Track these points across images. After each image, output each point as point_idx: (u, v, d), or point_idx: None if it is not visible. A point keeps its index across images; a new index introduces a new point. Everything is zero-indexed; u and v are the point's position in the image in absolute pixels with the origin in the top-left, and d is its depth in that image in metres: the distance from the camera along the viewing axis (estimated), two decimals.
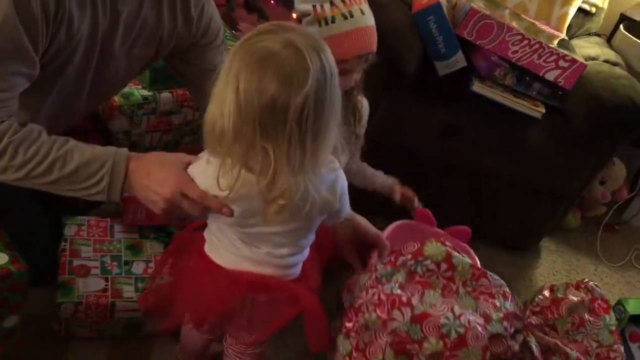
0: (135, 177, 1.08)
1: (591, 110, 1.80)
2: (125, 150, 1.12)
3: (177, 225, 1.44)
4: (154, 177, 1.06)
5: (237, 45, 0.93)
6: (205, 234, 1.11)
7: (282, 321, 1.08)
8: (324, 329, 1.09)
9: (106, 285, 1.34)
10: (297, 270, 1.12)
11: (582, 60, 1.83)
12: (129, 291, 1.34)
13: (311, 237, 1.10)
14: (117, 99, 1.69)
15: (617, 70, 1.95)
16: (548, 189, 1.89)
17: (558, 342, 1.24)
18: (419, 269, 1.14)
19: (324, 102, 0.92)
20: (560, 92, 1.86)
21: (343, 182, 1.05)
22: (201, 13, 1.35)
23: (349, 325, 1.11)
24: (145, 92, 1.75)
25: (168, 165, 1.06)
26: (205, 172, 1.00)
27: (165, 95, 1.78)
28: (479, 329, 1.06)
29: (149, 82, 1.75)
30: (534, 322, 1.27)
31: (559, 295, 1.31)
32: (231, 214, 1.00)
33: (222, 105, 0.91)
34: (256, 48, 0.90)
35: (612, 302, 1.70)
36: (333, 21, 1.27)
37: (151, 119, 1.79)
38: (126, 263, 1.41)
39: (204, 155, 1.02)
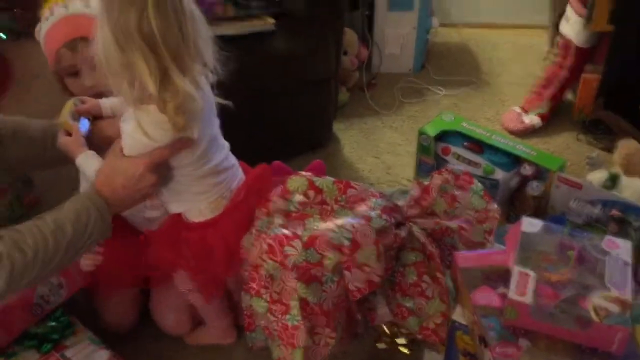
0: (115, 198, 1.11)
1: None
2: (87, 186, 1.14)
3: (35, 321, 1.32)
4: (128, 183, 1.10)
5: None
6: (191, 210, 1.22)
7: None
8: None
9: None
10: None
11: None
12: None
13: None
14: None
15: None
16: (313, 82, 2.03)
17: (437, 220, 1.35)
18: (291, 207, 1.19)
19: None
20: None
21: None
22: None
23: (254, 285, 1.14)
24: None
25: (123, 165, 1.10)
26: (150, 132, 1.07)
27: None
28: (364, 228, 1.15)
29: None
30: (413, 214, 1.35)
31: (425, 183, 1.40)
32: (190, 142, 1.11)
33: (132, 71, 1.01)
34: None
35: (413, 137, 1.94)
36: (40, 29, 1.35)
37: None
38: None
39: (126, 131, 1.09)
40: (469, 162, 1.80)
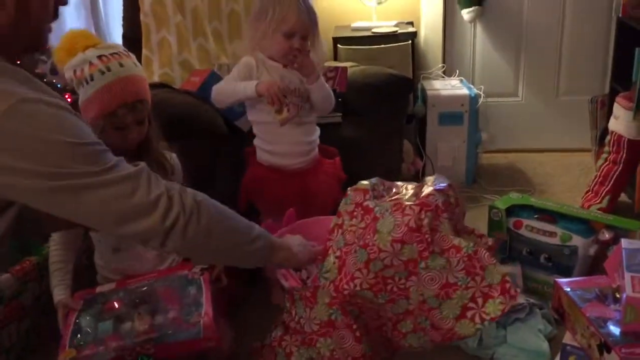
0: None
1: (369, 94, 2.12)
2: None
3: None
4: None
5: None
6: None
7: None
8: None
9: None
10: None
11: (341, 65, 2.14)
12: None
13: None
14: None
15: (365, 66, 2.32)
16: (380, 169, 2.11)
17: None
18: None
19: None
20: (340, 98, 2.13)
21: None
22: None
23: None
24: None
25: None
26: None
27: (5, 277, 1.55)
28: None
29: None
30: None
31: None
32: None
33: None
34: None
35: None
36: (92, 79, 1.35)
37: (0, 312, 1.54)
38: None
39: None
40: (544, 233, 1.80)
